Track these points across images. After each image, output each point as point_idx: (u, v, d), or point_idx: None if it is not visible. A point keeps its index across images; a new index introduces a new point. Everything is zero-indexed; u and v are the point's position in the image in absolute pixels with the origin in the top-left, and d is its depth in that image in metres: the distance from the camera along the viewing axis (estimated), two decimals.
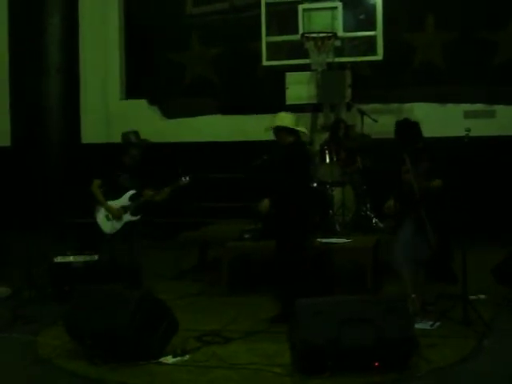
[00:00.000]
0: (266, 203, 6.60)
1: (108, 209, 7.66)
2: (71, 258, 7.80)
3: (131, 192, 7.70)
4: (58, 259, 7.77)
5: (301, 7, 10.82)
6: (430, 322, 6.21)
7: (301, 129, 6.76)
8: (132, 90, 13.22)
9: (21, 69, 12.19)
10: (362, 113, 10.43)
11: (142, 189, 7.68)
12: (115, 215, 7.65)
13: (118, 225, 7.68)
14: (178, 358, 5.46)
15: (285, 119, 6.69)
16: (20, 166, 12.03)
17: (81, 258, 7.81)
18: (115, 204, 7.68)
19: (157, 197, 7.67)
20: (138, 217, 7.73)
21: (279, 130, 6.67)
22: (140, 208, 7.73)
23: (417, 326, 5.82)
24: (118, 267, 7.57)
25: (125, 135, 7.82)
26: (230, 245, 7.94)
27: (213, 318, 6.71)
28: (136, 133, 7.84)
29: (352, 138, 9.94)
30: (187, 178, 7.58)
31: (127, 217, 7.68)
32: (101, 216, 7.73)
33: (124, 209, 7.68)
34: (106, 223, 7.71)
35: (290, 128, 6.63)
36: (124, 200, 7.71)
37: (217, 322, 6.55)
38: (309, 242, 6.84)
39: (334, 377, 4.97)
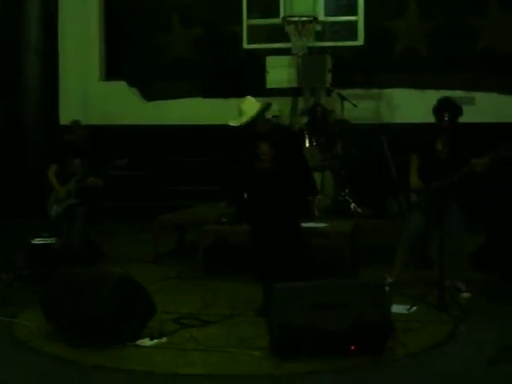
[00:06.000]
0: None
1: (58, 192, 7.94)
2: (49, 240, 7.80)
3: (78, 177, 7.94)
4: (36, 241, 7.74)
5: None
6: (407, 307, 6.24)
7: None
8: (112, 71, 13.14)
9: None
10: (342, 98, 10.44)
11: (87, 174, 7.91)
12: (61, 199, 7.91)
13: (60, 209, 7.92)
14: (156, 341, 5.45)
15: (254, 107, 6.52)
16: None
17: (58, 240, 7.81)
18: (63, 188, 7.94)
19: (98, 181, 7.95)
20: (78, 200, 7.93)
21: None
22: (80, 192, 7.93)
23: (393, 310, 5.85)
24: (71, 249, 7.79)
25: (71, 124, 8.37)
26: (207, 228, 7.92)
27: (191, 301, 6.70)
28: (76, 122, 8.36)
29: (330, 123, 9.94)
30: (125, 160, 7.86)
31: (69, 201, 7.92)
32: (50, 201, 8.01)
33: (69, 193, 7.92)
34: (52, 208, 7.98)
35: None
36: (71, 184, 7.95)
37: (195, 305, 6.54)
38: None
39: (311, 360, 5.00)
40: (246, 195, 6.64)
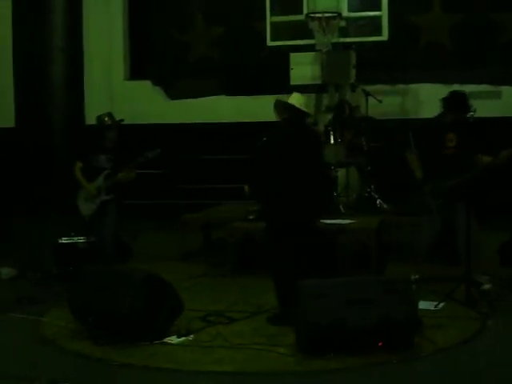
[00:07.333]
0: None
1: (87, 189, 7.89)
2: (76, 239, 7.84)
3: (106, 172, 7.90)
4: (63, 240, 7.79)
5: None
6: (434, 303, 6.21)
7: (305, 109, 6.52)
8: (136, 70, 13.18)
9: (24, 49, 12.15)
10: (367, 93, 10.38)
11: (116, 169, 7.85)
12: (93, 196, 7.86)
13: (93, 206, 7.89)
14: (183, 338, 5.48)
15: (294, 98, 6.31)
16: (24, 147, 12.02)
17: (85, 239, 7.85)
18: (92, 185, 7.90)
19: (130, 175, 7.87)
20: (111, 196, 7.89)
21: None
22: (112, 187, 7.89)
23: (421, 306, 5.82)
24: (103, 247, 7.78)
25: (99, 118, 8.10)
26: (235, 225, 7.93)
27: (217, 299, 6.72)
28: (110, 114, 8.13)
29: (357, 119, 9.90)
30: (157, 151, 7.76)
31: (102, 197, 7.89)
32: (81, 198, 7.97)
33: (99, 189, 7.88)
34: (84, 206, 7.95)
35: (287, 104, 6.21)
36: (100, 180, 7.92)
37: (221, 302, 6.56)
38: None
39: (338, 357, 4.98)
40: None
